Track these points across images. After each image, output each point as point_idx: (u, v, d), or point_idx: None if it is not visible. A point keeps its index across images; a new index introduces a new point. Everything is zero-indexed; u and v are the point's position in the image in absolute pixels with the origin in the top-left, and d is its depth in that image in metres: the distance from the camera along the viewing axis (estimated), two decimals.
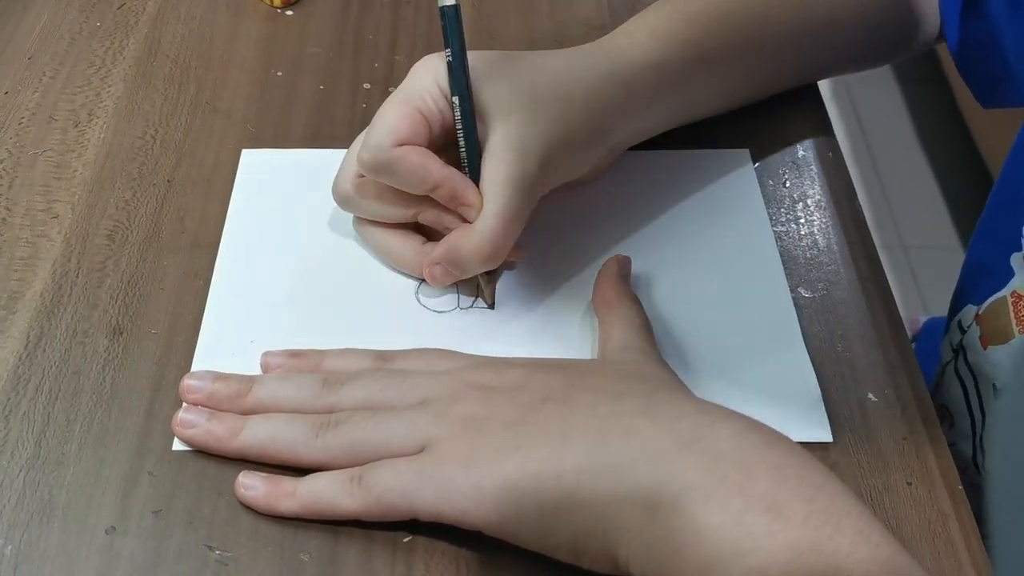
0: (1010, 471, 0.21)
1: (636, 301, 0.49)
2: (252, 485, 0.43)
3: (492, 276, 0.51)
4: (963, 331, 0.57)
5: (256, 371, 0.48)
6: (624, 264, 0.51)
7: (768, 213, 0.56)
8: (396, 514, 0.41)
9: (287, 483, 0.43)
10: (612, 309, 0.48)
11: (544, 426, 0.41)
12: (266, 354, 0.48)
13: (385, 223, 0.52)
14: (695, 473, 0.38)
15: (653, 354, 0.47)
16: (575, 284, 0.52)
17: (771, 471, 0.37)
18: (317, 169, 0.57)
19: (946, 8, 0.60)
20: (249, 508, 0.43)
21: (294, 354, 0.48)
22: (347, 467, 0.42)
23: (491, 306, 0.51)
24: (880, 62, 0.67)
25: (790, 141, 0.61)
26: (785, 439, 0.40)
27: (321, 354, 0.48)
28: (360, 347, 0.48)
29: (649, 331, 0.48)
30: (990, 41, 0.58)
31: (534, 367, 0.45)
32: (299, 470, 0.43)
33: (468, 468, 0.40)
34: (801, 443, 0.40)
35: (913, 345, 0.77)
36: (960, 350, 0.57)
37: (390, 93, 0.50)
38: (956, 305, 0.59)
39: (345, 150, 0.54)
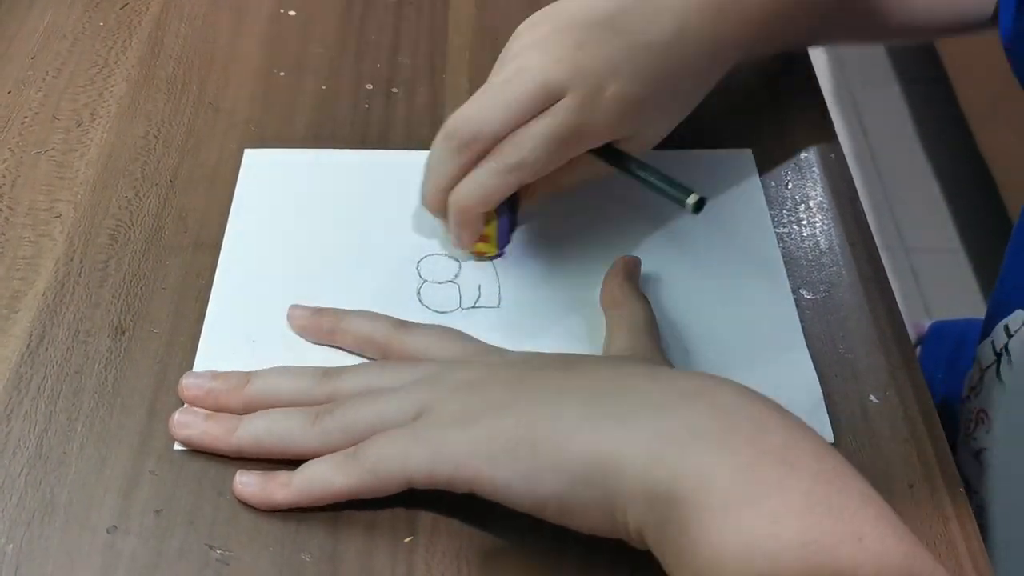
0: (1012, 470, 0.21)
1: (644, 301, 0.49)
2: (248, 481, 0.43)
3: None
4: (1009, 335, 0.56)
5: (258, 368, 0.47)
6: (633, 264, 0.51)
7: (770, 214, 0.56)
8: (391, 483, 0.41)
9: (282, 475, 0.43)
10: (619, 309, 0.49)
11: (543, 382, 0.41)
12: (293, 307, 0.49)
13: None
14: (704, 420, 0.37)
15: (657, 354, 0.47)
16: (578, 285, 0.52)
17: (781, 430, 0.37)
18: (319, 169, 0.57)
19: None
20: (249, 507, 0.43)
21: (316, 311, 0.49)
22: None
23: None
24: (943, 33, 0.68)
25: (792, 142, 0.61)
26: (788, 411, 0.39)
27: (340, 315, 0.48)
28: None
29: (655, 331, 0.48)
30: None
31: (537, 353, 0.45)
32: (299, 465, 0.43)
33: (464, 424, 0.40)
34: None
35: (918, 349, 0.77)
36: (1003, 353, 0.57)
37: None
38: (1000, 308, 0.59)
39: (347, 149, 0.54)
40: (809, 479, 0.35)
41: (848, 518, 0.34)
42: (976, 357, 0.59)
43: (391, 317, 0.48)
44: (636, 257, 0.52)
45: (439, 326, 0.48)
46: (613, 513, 0.38)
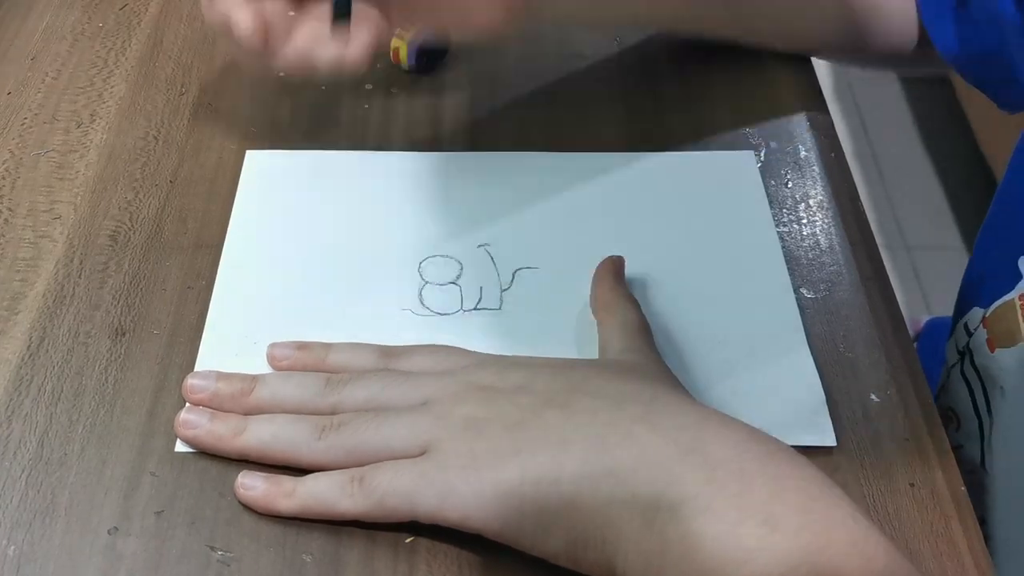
0: (1013, 473, 0.21)
1: (633, 302, 0.49)
2: (251, 485, 0.43)
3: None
4: (969, 333, 0.57)
5: (259, 371, 0.47)
6: (618, 264, 0.51)
7: (771, 213, 0.56)
8: (397, 516, 0.41)
9: (286, 483, 0.43)
10: (610, 311, 0.49)
11: (544, 431, 0.41)
12: (272, 345, 0.48)
13: None
14: (694, 483, 0.38)
15: (653, 355, 0.47)
16: (579, 286, 0.52)
17: (769, 482, 0.38)
18: (320, 170, 0.57)
19: (933, 18, 0.60)
20: (250, 508, 0.43)
21: (300, 346, 0.48)
22: (348, 468, 0.42)
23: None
24: (843, 59, 0.69)
25: (792, 141, 0.61)
26: (786, 448, 0.40)
27: (327, 347, 0.48)
28: None
29: (648, 332, 0.48)
30: (996, 50, 0.57)
31: (537, 368, 0.45)
32: (301, 470, 0.43)
33: (468, 472, 0.40)
34: (804, 447, 0.40)
35: (915, 345, 0.77)
36: (966, 352, 0.57)
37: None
38: (961, 307, 0.59)
39: (347, 151, 0.54)
40: (791, 537, 0.36)
41: None
42: (944, 357, 0.60)
43: (377, 346, 0.48)
44: (620, 256, 0.52)
45: (428, 346, 0.48)
46: (614, 570, 0.39)
